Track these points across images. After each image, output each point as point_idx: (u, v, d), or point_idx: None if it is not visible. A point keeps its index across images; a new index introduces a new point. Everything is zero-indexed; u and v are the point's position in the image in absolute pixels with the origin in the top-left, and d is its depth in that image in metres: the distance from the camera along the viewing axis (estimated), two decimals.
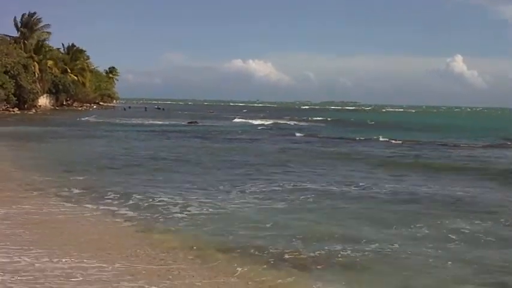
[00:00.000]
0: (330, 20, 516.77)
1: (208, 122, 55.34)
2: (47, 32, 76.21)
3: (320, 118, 73.70)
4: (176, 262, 8.17)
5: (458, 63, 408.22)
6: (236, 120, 60.67)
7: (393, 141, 33.10)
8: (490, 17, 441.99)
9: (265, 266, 8.14)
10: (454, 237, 9.90)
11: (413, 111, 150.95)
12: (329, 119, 72.08)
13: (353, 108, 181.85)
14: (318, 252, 8.83)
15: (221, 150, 25.92)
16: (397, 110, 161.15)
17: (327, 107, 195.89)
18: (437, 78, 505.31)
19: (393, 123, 61.35)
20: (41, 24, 75.40)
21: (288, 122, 59.39)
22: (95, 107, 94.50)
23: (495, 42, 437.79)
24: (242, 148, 27.43)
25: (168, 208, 12.10)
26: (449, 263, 8.49)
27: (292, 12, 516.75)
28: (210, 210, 11.98)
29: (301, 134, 38.83)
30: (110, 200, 12.92)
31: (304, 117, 75.17)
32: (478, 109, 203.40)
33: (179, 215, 11.53)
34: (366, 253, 8.85)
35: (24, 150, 24.65)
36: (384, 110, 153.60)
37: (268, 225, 10.64)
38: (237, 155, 23.75)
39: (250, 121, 57.69)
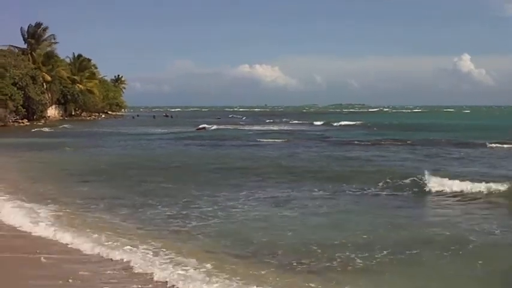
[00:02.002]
0: (335, 22, 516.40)
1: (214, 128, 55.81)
2: (54, 42, 76.74)
3: (300, 121, 74.00)
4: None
5: (466, 62, 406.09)
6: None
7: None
8: (496, 14, 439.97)
9: (281, 271, 8.15)
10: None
11: (415, 110, 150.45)
12: (315, 123, 70.07)
13: (353, 110, 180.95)
14: (334, 257, 8.83)
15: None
16: (402, 111, 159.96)
17: (336, 110, 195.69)
18: (446, 78, 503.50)
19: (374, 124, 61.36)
20: (48, 35, 75.91)
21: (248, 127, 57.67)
22: (103, 116, 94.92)
23: (503, 40, 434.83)
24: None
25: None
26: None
27: (298, 15, 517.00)
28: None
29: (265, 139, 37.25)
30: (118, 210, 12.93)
31: (291, 121, 76.49)
32: (494, 107, 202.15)
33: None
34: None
35: (35, 161, 24.61)
36: (375, 110, 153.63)
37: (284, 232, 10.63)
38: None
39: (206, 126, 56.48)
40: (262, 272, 8.06)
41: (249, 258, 8.85)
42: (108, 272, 8.19)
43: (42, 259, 8.75)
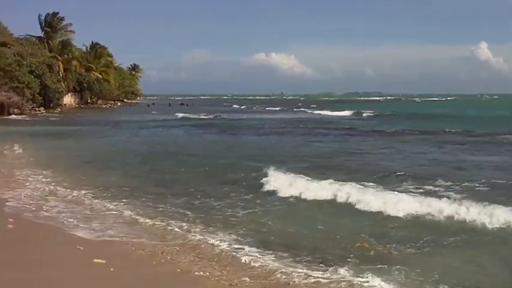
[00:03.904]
0: (352, 10, 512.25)
1: (226, 115, 57.55)
2: (71, 31, 76.86)
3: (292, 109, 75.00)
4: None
5: (483, 51, 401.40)
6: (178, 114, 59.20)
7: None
8: None
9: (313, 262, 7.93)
10: None
11: (433, 99, 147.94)
12: (308, 111, 70.40)
13: (365, 99, 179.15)
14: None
15: None
16: (415, 99, 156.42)
17: (354, 98, 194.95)
18: (463, 66, 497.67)
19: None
20: (64, 23, 76.04)
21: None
22: (119, 104, 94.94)
23: None
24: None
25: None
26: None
27: (312, 4, 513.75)
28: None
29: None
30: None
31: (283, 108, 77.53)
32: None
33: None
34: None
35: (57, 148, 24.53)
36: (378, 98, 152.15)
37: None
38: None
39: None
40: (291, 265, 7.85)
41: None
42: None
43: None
